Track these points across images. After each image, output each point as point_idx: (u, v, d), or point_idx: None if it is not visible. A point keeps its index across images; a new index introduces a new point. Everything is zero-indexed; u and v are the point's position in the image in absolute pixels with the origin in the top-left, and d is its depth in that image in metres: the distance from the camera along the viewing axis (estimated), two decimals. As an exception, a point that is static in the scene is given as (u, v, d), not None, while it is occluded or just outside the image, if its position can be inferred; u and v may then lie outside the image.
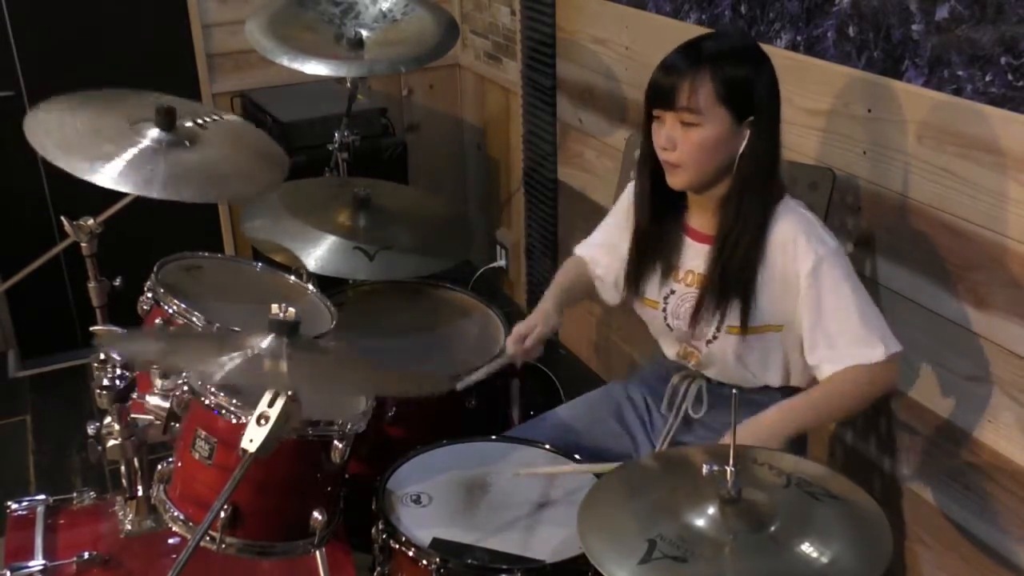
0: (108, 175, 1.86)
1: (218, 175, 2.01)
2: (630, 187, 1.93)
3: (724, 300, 1.74)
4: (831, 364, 1.69)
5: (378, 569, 1.71)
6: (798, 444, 1.91)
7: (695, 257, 1.81)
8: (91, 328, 1.95)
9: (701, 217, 1.81)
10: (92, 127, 1.96)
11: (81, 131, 1.96)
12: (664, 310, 1.86)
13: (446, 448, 1.91)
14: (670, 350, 1.94)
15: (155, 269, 2.17)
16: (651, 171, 1.79)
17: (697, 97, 1.65)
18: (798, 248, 1.68)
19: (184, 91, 3.52)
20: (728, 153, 1.69)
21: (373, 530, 1.71)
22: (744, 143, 1.68)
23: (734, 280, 1.73)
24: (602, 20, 2.96)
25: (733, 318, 1.75)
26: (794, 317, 1.74)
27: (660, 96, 1.69)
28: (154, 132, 2.02)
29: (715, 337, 1.79)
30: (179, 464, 1.71)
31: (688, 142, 1.68)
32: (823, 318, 1.69)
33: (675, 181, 1.74)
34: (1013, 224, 1.76)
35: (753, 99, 1.66)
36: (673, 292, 1.84)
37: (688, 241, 1.83)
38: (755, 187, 1.70)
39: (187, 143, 2.05)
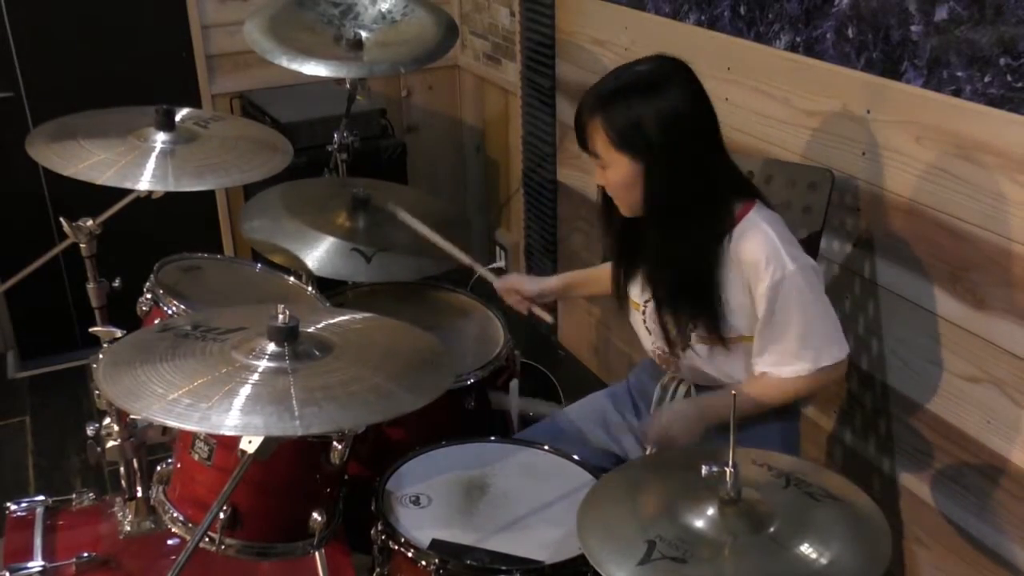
0: (119, 176, 1.88)
1: (225, 161, 2.02)
2: None
3: (679, 312, 1.77)
4: (758, 368, 1.78)
5: (377, 570, 1.71)
6: (792, 449, 1.92)
7: None
8: (90, 329, 1.95)
9: None
10: (97, 144, 1.98)
11: (86, 145, 1.97)
12: (644, 312, 1.87)
13: (445, 449, 1.91)
14: (650, 353, 1.95)
15: (154, 270, 2.18)
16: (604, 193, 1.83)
17: (595, 144, 1.72)
18: (759, 270, 1.69)
19: (183, 92, 3.56)
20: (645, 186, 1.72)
21: (372, 531, 1.71)
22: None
23: (681, 296, 1.76)
24: (601, 21, 2.96)
25: (702, 329, 1.77)
26: None
27: (577, 139, 1.76)
28: (158, 134, 2.03)
29: (688, 346, 1.80)
30: (178, 465, 1.71)
31: (607, 182, 1.75)
32: (766, 328, 1.73)
33: (621, 211, 1.79)
34: (1012, 225, 1.77)
35: (646, 139, 1.66)
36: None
37: None
38: (668, 219, 1.71)
39: (189, 139, 2.06)
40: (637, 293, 1.89)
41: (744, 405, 1.75)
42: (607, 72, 1.75)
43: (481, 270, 2.25)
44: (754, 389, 1.78)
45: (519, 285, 2.19)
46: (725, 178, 1.74)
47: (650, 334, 1.88)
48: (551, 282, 2.23)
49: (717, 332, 1.76)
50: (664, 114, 1.66)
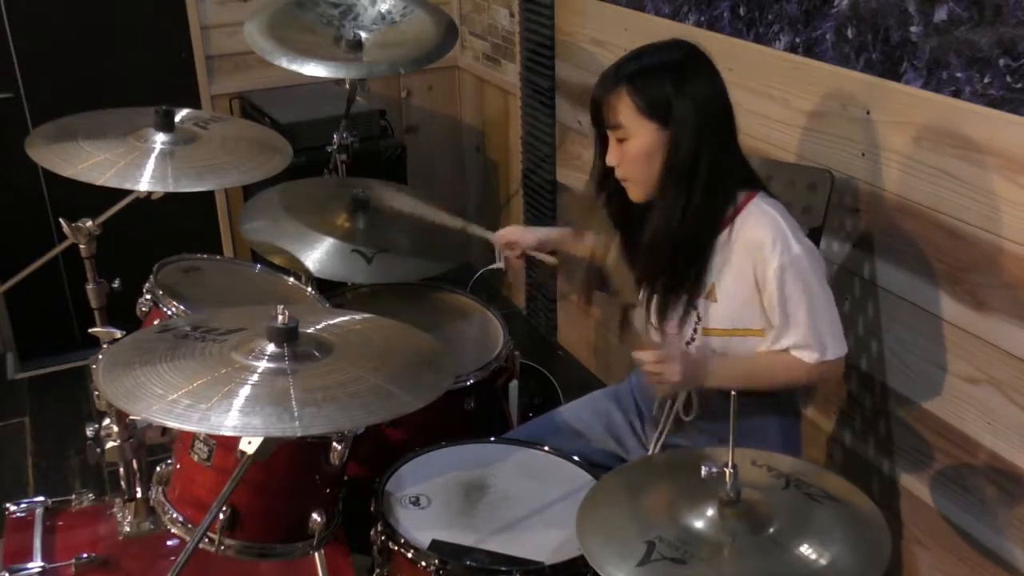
0: (118, 177, 1.89)
1: (224, 162, 2.02)
2: None
3: (683, 300, 1.76)
4: (769, 345, 1.78)
5: (377, 571, 1.71)
6: (793, 445, 1.92)
7: None
8: (90, 330, 1.95)
9: None
10: (97, 145, 1.98)
11: (86, 146, 1.97)
12: (648, 309, 1.87)
13: (445, 450, 1.91)
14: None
15: (154, 271, 2.18)
16: (607, 186, 1.83)
17: (618, 113, 1.72)
18: (764, 253, 1.70)
19: (183, 93, 3.56)
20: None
21: (372, 532, 1.71)
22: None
23: (685, 280, 1.76)
24: (601, 22, 2.96)
25: (707, 320, 1.77)
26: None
27: (592, 118, 1.77)
28: (157, 135, 2.03)
29: (692, 339, 1.80)
30: (178, 466, 1.71)
31: (626, 156, 1.74)
32: (777, 315, 1.73)
33: (632, 195, 1.79)
34: (1011, 226, 1.77)
35: (672, 111, 1.68)
36: None
37: None
38: (684, 190, 1.71)
39: (189, 140, 2.06)
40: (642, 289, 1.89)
41: (763, 377, 1.77)
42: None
43: (477, 230, 2.27)
44: (762, 354, 1.78)
45: (518, 236, 2.18)
46: (736, 163, 1.76)
47: (654, 327, 1.88)
48: (551, 232, 2.21)
49: (718, 321, 1.76)
50: (692, 83, 1.69)
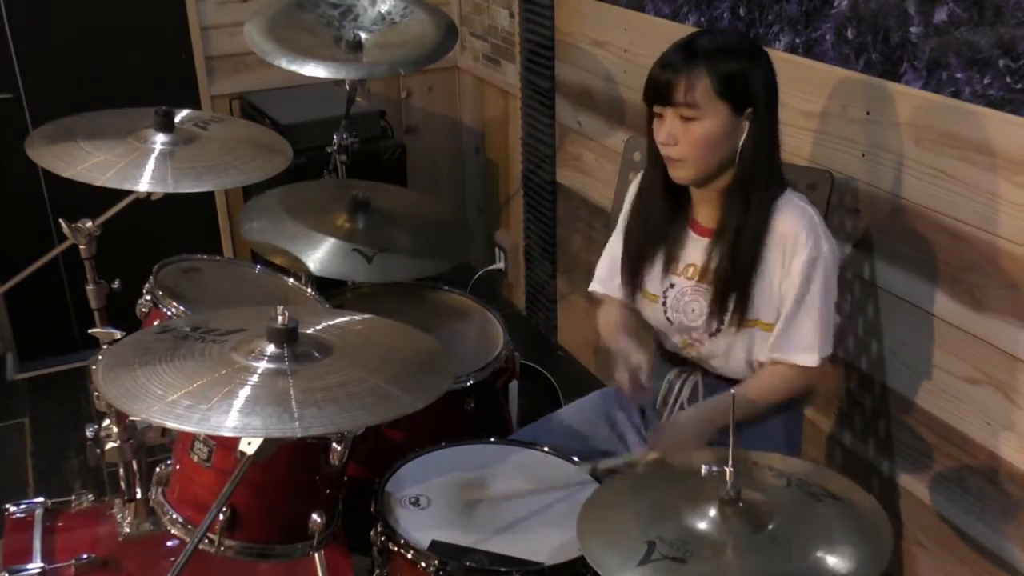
0: (118, 178, 1.89)
1: (224, 163, 2.02)
2: (627, 200, 1.96)
3: (731, 292, 1.77)
4: (772, 352, 1.78)
5: (377, 571, 1.71)
6: (795, 442, 1.92)
7: (695, 250, 1.83)
8: (90, 331, 1.94)
9: (705, 211, 1.83)
10: (97, 146, 1.98)
11: (86, 147, 1.97)
12: (664, 304, 1.87)
13: (445, 451, 1.91)
14: (670, 342, 1.94)
15: (154, 271, 2.18)
16: (659, 166, 1.81)
17: (694, 92, 1.69)
18: (798, 244, 1.72)
19: (183, 93, 3.56)
20: (730, 146, 1.72)
21: (372, 532, 1.71)
22: (744, 135, 1.71)
23: (741, 272, 1.76)
24: (601, 22, 2.96)
25: (737, 311, 1.77)
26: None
27: (658, 92, 1.73)
28: (157, 136, 2.03)
29: (718, 330, 1.80)
30: (177, 467, 1.71)
31: (689, 137, 1.71)
32: (793, 308, 1.74)
33: (678, 175, 1.77)
34: (1011, 226, 1.77)
35: (750, 91, 1.69)
36: (673, 285, 1.86)
37: (691, 235, 1.84)
38: (758, 178, 1.74)
39: (189, 141, 2.06)
40: (655, 285, 1.89)
41: (743, 406, 1.74)
42: (687, 35, 1.75)
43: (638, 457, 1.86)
44: (752, 389, 1.79)
45: (645, 382, 1.81)
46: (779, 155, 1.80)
47: (672, 324, 1.87)
48: (644, 356, 1.83)
49: (750, 312, 1.77)
50: (765, 72, 1.71)
